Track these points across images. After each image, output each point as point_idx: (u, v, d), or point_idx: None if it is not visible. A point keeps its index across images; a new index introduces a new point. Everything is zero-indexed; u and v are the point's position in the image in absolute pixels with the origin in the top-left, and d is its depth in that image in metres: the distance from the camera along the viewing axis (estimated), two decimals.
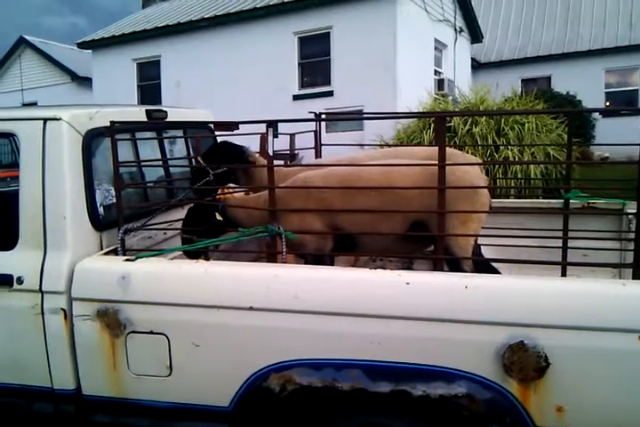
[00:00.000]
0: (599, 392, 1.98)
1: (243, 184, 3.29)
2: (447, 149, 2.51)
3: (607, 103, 17.71)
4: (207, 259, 3.16)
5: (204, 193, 3.10)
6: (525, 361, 1.97)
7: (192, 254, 2.89)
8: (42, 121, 2.58)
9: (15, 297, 2.53)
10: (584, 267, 2.91)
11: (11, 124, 2.68)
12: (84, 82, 18.69)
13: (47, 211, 2.53)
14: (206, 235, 2.88)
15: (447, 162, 2.41)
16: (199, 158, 3.16)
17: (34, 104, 18.42)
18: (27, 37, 21.03)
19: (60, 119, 2.57)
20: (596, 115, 16.20)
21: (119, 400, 2.45)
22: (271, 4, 12.59)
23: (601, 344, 1.95)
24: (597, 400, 1.98)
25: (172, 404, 2.39)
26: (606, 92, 17.80)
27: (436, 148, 2.40)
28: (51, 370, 2.52)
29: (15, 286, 2.53)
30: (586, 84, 16.75)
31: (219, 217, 3.07)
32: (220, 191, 3.08)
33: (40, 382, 2.55)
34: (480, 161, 3.63)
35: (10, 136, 2.76)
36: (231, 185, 3.42)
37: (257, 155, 3.34)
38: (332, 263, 3.06)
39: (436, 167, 2.44)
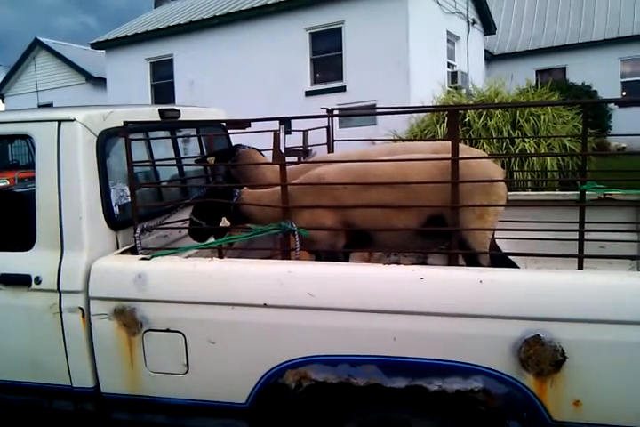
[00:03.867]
0: (616, 386, 1.96)
1: (244, 177, 3.34)
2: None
3: (623, 93, 17.45)
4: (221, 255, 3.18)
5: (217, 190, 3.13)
6: (542, 355, 1.96)
7: (198, 236, 2.92)
8: (56, 122, 2.61)
9: (33, 297, 2.57)
10: (601, 259, 2.88)
11: (26, 125, 2.71)
12: (99, 82, 18.82)
13: (63, 211, 2.56)
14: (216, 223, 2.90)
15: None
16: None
17: (49, 105, 18.62)
18: (41, 39, 21.21)
19: (74, 120, 2.59)
20: (613, 105, 16.00)
21: (137, 398, 2.48)
22: (282, 0, 12.57)
23: (618, 338, 1.93)
24: (615, 394, 1.96)
25: (190, 401, 2.41)
26: (622, 82, 17.55)
27: (443, 142, 2.39)
28: (70, 369, 2.56)
29: (33, 285, 2.56)
30: (602, 74, 16.54)
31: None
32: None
33: (60, 381, 2.59)
34: (485, 154, 3.61)
35: (26, 138, 2.79)
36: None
37: (251, 151, 3.38)
38: (345, 259, 3.06)
39: (448, 161, 2.43)
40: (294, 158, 4.56)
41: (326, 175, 2.88)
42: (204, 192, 2.98)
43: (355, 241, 2.89)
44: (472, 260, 2.77)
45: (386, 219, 2.77)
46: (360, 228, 2.80)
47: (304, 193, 2.81)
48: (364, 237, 2.87)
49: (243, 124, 3.29)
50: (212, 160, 3.13)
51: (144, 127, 3.13)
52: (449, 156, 2.43)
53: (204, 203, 2.89)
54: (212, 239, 3.04)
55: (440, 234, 2.85)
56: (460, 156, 2.42)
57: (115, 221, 2.70)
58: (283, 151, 2.78)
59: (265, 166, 3.32)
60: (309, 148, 5.13)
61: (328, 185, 2.81)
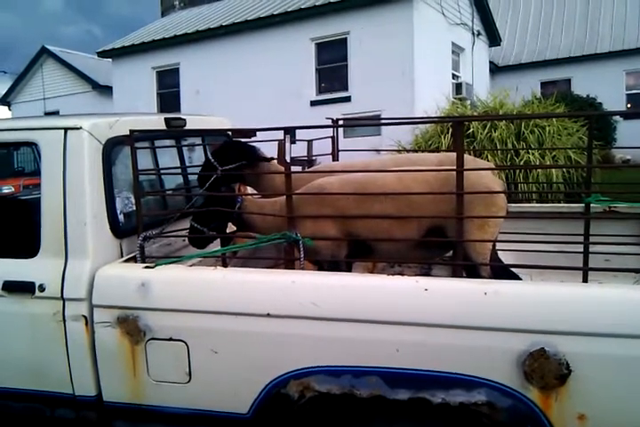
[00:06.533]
0: (621, 400, 1.94)
1: (252, 183, 3.33)
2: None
3: (628, 105, 17.50)
4: (225, 264, 3.17)
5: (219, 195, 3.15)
6: (546, 368, 1.95)
7: (198, 243, 2.92)
8: (63, 130, 2.62)
9: (37, 304, 2.57)
10: (606, 272, 2.87)
11: (32, 133, 2.72)
12: (105, 90, 18.95)
13: (68, 219, 2.57)
14: (217, 229, 2.89)
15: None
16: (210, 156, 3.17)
17: (56, 113, 18.74)
18: (48, 47, 21.38)
19: (80, 128, 2.60)
20: (618, 117, 16.01)
21: (139, 407, 2.47)
22: (288, 10, 12.66)
23: (623, 351, 1.91)
24: (620, 409, 1.95)
25: (192, 410, 2.40)
26: (627, 94, 17.62)
27: (448, 153, 2.39)
28: (72, 376, 2.55)
29: (37, 293, 2.56)
30: (606, 87, 16.59)
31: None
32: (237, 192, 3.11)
33: (62, 389, 2.58)
34: (492, 165, 3.61)
35: (32, 145, 2.80)
36: (247, 189, 3.44)
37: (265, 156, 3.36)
38: (348, 270, 3.05)
39: (450, 173, 2.43)
40: (299, 168, 4.57)
41: (328, 186, 2.88)
42: (205, 195, 2.98)
43: (356, 252, 2.89)
44: (472, 271, 2.76)
45: (387, 230, 2.77)
46: (362, 238, 2.80)
47: (306, 203, 2.82)
48: (366, 248, 2.87)
49: (248, 134, 3.30)
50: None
51: (150, 136, 3.14)
52: (454, 167, 2.43)
53: (205, 211, 2.89)
54: (216, 246, 3.04)
55: (440, 246, 2.84)
56: (467, 167, 2.42)
57: (119, 229, 2.70)
58: (288, 161, 2.79)
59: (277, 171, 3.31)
60: (314, 157, 5.15)
61: (330, 196, 2.82)
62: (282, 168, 3.27)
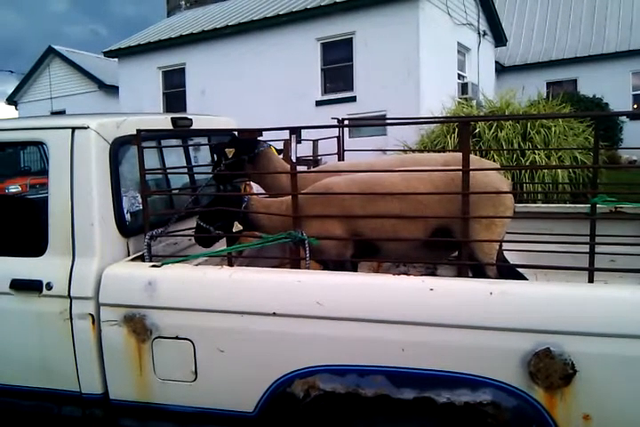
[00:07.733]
0: (627, 401, 1.94)
1: (256, 180, 3.37)
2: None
3: (634, 106, 17.43)
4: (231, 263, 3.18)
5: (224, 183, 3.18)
6: (552, 369, 1.95)
7: (204, 242, 2.93)
8: (70, 130, 2.63)
9: (44, 302, 2.58)
10: (611, 273, 2.86)
11: (40, 132, 2.73)
12: (111, 90, 19.01)
13: (75, 218, 2.58)
14: (223, 227, 2.90)
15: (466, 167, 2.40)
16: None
17: (62, 112, 18.80)
18: (55, 47, 21.44)
19: (87, 128, 2.62)
20: (624, 118, 15.96)
21: (145, 405, 2.48)
22: (294, 10, 12.66)
23: (629, 352, 1.92)
24: (625, 409, 1.95)
25: (198, 409, 2.41)
26: (634, 95, 17.56)
27: (454, 153, 2.39)
28: (79, 375, 2.56)
29: (44, 291, 2.58)
30: (613, 87, 16.53)
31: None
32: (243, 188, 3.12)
33: (68, 387, 2.60)
34: (498, 165, 3.60)
35: (39, 144, 2.82)
36: (253, 188, 3.45)
37: (271, 150, 3.36)
38: (354, 269, 3.05)
39: (456, 173, 2.43)
40: (304, 168, 4.59)
41: (334, 186, 2.88)
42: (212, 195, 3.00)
43: (362, 251, 2.89)
44: (478, 271, 2.76)
45: (393, 230, 2.77)
46: (368, 238, 2.80)
47: (312, 203, 2.82)
48: (372, 248, 2.87)
49: (254, 134, 3.31)
50: (231, 152, 3.12)
51: (157, 135, 3.15)
52: (460, 167, 2.43)
53: (212, 210, 2.90)
54: (222, 246, 3.04)
55: (447, 246, 2.84)
56: (472, 167, 2.42)
57: (126, 228, 2.72)
58: (294, 160, 2.79)
59: (281, 168, 3.31)
60: (319, 157, 5.15)
61: (336, 195, 2.82)
62: (286, 164, 3.28)
